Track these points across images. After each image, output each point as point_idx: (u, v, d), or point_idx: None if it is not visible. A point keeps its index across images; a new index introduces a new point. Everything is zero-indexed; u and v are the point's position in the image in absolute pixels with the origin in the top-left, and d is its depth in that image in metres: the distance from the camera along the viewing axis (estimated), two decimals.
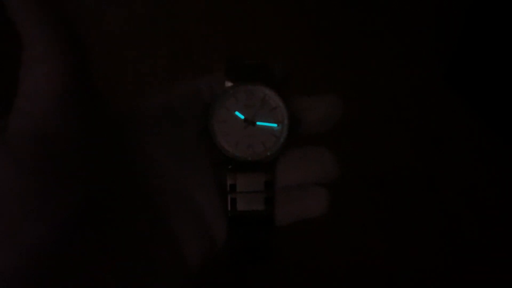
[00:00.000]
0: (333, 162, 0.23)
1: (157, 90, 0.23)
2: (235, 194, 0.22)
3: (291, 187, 0.23)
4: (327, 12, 0.60)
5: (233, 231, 0.22)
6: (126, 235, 0.20)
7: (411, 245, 0.49)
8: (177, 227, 0.21)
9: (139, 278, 0.20)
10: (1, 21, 0.17)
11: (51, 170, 0.17)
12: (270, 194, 0.22)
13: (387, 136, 0.53)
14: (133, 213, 0.20)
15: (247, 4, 0.59)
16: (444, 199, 0.51)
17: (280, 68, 0.24)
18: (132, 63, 0.55)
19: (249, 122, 0.23)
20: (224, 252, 0.23)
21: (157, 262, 0.20)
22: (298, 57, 0.56)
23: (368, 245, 0.48)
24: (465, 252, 0.48)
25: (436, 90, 0.56)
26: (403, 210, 0.50)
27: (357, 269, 0.47)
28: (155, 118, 0.22)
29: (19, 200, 0.16)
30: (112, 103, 0.21)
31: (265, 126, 0.23)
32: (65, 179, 0.17)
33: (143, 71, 0.55)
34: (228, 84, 0.23)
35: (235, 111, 0.23)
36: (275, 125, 0.23)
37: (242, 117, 0.23)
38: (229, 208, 0.22)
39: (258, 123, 0.23)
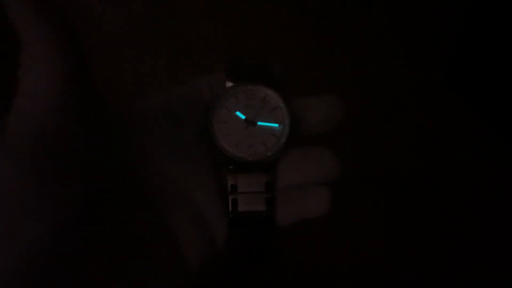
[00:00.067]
0: (333, 162, 0.23)
1: (157, 90, 0.23)
2: (236, 195, 0.22)
3: (292, 187, 0.23)
4: (327, 12, 0.60)
5: (233, 232, 0.22)
6: (126, 235, 0.20)
7: (411, 245, 0.49)
8: (176, 227, 0.21)
9: (138, 278, 0.20)
10: (1, 21, 0.17)
11: (51, 170, 0.17)
12: (271, 195, 0.22)
13: (387, 136, 0.53)
14: (133, 213, 0.20)
15: (247, 4, 0.59)
16: (444, 199, 0.51)
17: (280, 69, 0.24)
18: (132, 63, 0.55)
19: (250, 122, 0.23)
20: (225, 252, 0.23)
21: (156, 262, 0.20)
22: (298, 57, 0.56)
23: (368, 245, 0.48)
24: (465, 252, 0.48)
25: (436, 90, 0.56)
26: (403, 210, 0.50)
27: (357, 269, 0.47)
28: (155, 118, 0.22)
29: (19, 200, 0.16)
30: (112, 103, 0.21)
31: (266, 126, 0.23)
32: (65, 179, 0.17)
33: (143, 71, 0.55)
34: (229, 84, 0.23)
35: (235, 111, 0.23)
36: (276, 125, 0.23)
37: (243, 117, 0.23)
38: (230, 209, 0.22)
39: (259, 123, 0.23)
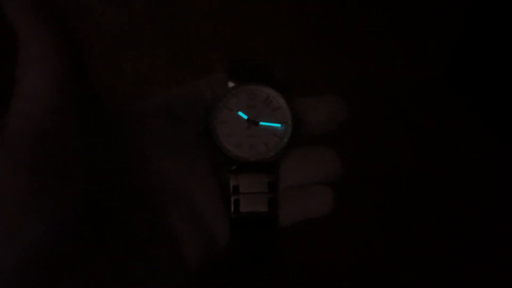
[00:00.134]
0: (336, 162, 0.23)
1: (156, 90, 0.23)
2: (238, 195, 0.22)
3: (294, 187, 0.23)
4: (327, 12, 0.60)
5: (235, 233, 0.22)
6: (125, 235, 0.20)
7: (411, 245, 0.49)
8: (176, 227, 0.21)
9: (138, 278, 0.19)
10: None
11: (50, 170, 0.17)
12: (273, 195, 0.22)
13: (387, 136, 0.53)
14: (132, 213, 0.20)
15: (247, 4, 0.59)
16: (444, 199, 0.50)
17: (282, 69, 0.24)
18: (132, 63, 0.55)
19: (252, 122, 0.23)
20: (225, 252, 0.23)
21: (156, 262, 0.20)
22: (298, 57, 0.56)
23: (369, 245, 0.48)
24: (465, 252, 0.48)
25: (436, 90, 0.56)
26: (403, 210, 0.50)
27: (357, 269, 0.47)
28: (154, 118, 0.22)
29: (18, 200, 0.16)
30: (111, 103, 0.21)
31: (268, 126, 0.23)
32: (64, 179, 0.17)
33: (143, 71, 0.55)
34: (231, 84, 0.23)
35: (237, 111, 0.23)
36: (278, 125, 0.23)
37: (245, 117, 0.23)
38: (232, 209, 0.22)
39: (261, 123, 0.23)
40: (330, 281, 0.47)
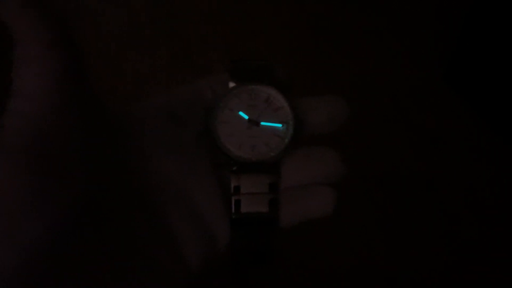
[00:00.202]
0: (337, 162, 0.23)
1: (156, 91, 0.23)
2: (239, 196, 0.22)
3: (295, 188, 0.22)
4: (327, 12, 0.60)
5: (235, 233, 0.22)
6: (125, 235, 0.20)
7: (411, 245, 0.48)
8: (176, 227, 0.21)
9: (138, 278, 0.19)
10: None
11: (49, 170, 0.17)
12: (274, 196, 0.22)
13: (387, 136, 0.53)
14: (132, 213, 0.20)
15: (247, 4, 0.59)
16: (444, 199, 0.50)
17: (283, 69, 0.24)
18: (132, 63, 0.55)
19: (253, 122, 0.23)
20: (226, 252, 0.23)
21: (156, 262, 0.20)
22: (298, 57, 0.56)
23: (369, 245, 0.48)
24: (465, 252, 0.48)
25: (436, 90, 0.56)
26: (403, 210, 0.50)
27: (357, 269, 0.47)
28: (154, 118, 0.22)
29: (17, 200, 0.16)
30: (111, 103, 0.21)
31: (270, 126, 0.23)
32: (63, 179, 0.17)
33: (143, 71, 0.55)
34: (232, 84, 0.23)
35: (238, 111, 0.23)
36: (279, 125, 0.23)
37: (246, 117, 0.23)
38: (233, 210, 0.22)
39: (262, 123, 0.23)
40: (330, 281, 0.47)
